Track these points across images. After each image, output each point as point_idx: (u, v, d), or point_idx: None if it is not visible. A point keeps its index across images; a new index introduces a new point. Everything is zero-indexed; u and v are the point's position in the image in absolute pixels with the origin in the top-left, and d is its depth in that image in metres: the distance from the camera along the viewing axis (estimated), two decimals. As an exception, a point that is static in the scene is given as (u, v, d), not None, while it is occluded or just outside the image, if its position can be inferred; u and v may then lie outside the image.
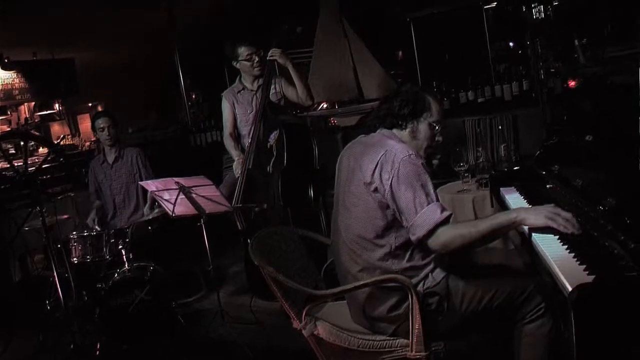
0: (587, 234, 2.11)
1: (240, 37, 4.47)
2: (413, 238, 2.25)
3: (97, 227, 4.58)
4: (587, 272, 1.82)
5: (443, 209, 2.23)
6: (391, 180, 2.26)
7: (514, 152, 5.03)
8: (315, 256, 2.96)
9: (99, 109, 10.05)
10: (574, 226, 2.12)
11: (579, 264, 1.90)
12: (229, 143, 4.52)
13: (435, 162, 2.61)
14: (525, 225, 2.23)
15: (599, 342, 1.73)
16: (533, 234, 2.25)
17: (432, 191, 2.26)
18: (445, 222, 2.21)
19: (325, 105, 6.53)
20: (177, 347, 3.95)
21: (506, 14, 6.74)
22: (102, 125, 4.76)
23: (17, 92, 8.24)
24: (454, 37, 6.63)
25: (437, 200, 2.27)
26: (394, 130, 2.49)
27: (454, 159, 3.69)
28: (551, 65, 5.41)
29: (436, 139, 2.51)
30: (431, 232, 2.20)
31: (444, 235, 2.20)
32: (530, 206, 2.66)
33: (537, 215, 2.19)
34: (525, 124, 5.27)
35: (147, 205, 4.73)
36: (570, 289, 1.73)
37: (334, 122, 6.37)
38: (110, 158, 4.87)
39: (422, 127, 2.48)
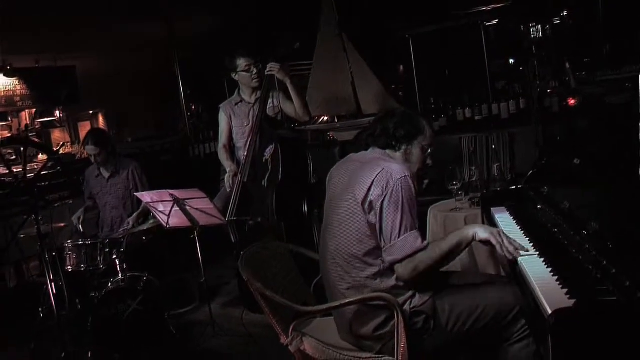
0: (571, 257, 2.12)
1: (239, 49, 4.50)
2: (389, 259, 2.29)
3: (80, 226, 4.59)
4: (568, 295, 1.84)
5: (423, 239, 2.29)
6: (383, 198, 2.28)
7: (509, 171, 5.04)
8: (306, 271, 2.97)
9: (100, 117, 10.12)
10: (510, 252, 2.26)
11: (561, 288, 1.91)
12: (222, 154, 4.54)
13: (425, 181, 2.63)
14: (477, 239, 2.32)
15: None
16: (520, 256, 2.28)
17: (416, 218, 2.32)
18: (422, 250, 2.27)
19: (325, 119, 6.57)
20: (169, 358, 3.96)
21: (506, 32, 6.80)
22: (88, 153, 4.76)
23: (18, 98, 8.30)
24: (453, 54, 6.68)
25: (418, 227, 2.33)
26: (387, 151, 2.51)
27: (447, 177, 3.70)
28: (547, 84, 5.45)
29: (427, 162, 2.55)
30: (408, 256, 2.25)
31: (416, 259, 2.26)
32: (518, 226, 2.72)
33: (485, 231, 2.31)
34: (521, 143, 5.25)
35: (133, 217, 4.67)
36: (550, 312, 1.74)
37: (331, 136, 6.39)
38: (106, 173, 4.82)
39: (415, 150, 2.51)
